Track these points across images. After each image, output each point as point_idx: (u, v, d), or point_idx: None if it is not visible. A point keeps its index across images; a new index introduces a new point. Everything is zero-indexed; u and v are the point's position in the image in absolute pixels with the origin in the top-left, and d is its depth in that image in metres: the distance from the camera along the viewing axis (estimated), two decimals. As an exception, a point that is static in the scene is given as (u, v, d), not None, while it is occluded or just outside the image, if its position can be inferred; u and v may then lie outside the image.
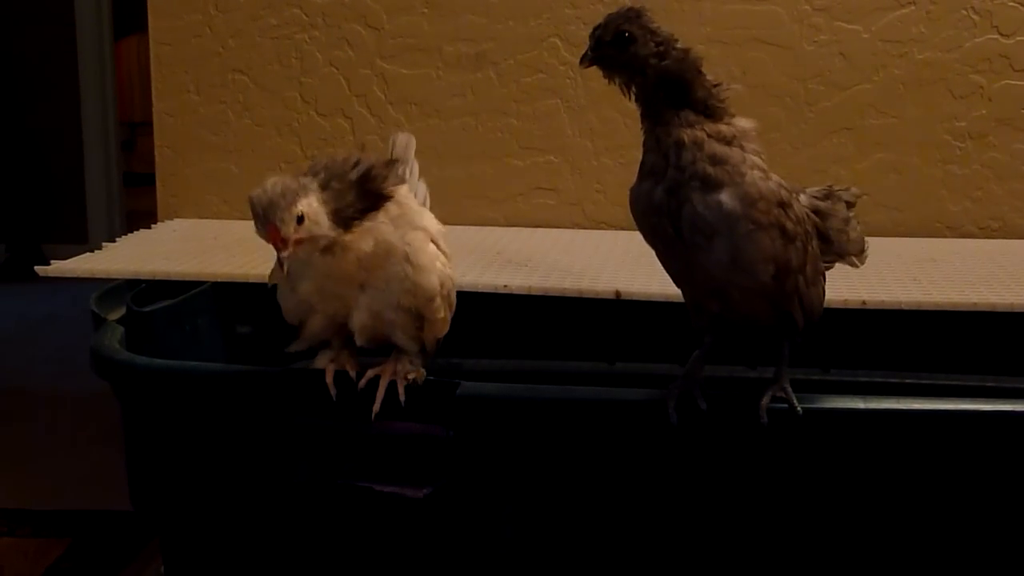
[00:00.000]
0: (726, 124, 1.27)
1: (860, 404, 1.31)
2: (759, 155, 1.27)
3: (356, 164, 1.29)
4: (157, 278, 1.82)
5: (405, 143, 1.54)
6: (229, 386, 1.43)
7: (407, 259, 1.30)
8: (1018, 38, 2.25)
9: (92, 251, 1.99)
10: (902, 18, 2.28)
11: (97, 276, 1.84)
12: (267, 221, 1.20)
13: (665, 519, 1.38)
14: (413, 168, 1.54)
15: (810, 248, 1.30)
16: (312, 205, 1.23)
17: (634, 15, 1.27)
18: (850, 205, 1.43)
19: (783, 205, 1.25)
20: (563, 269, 1.91)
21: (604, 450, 1.37)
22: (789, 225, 1.25)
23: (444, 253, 1.36)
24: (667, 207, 1.23)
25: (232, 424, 1.44)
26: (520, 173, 2.40)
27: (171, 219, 2.43)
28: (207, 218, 2.42)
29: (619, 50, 1.28)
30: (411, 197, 1.37)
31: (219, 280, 1.83)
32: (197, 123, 2.44)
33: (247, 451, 1.44)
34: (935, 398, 1.38)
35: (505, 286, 1.79)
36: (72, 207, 4.76)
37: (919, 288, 1.80)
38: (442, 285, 1.34)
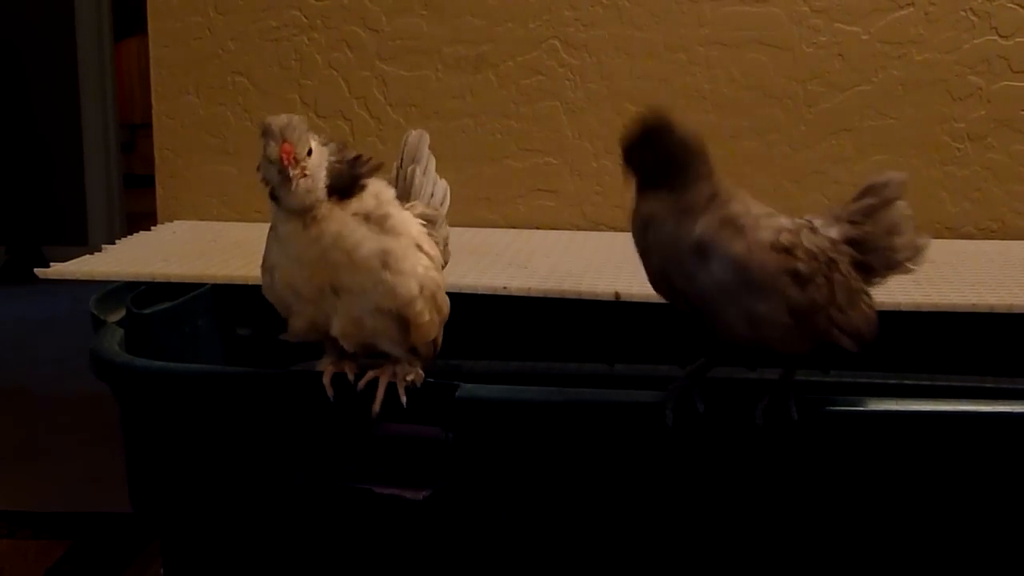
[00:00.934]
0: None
1: (859, 407, 1.31)
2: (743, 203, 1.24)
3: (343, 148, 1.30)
4: (156, 280, 1.82)
5: (418, 139, 1.53)
6: (228, 388, 1.44)
7: (384, 264, 1.27)
8: (1017, 39, 2.26)
9: (92, 253, 1.99)
10: (901, 19, 2.28)
11: (96, 278, 1.84)
12: (283, 138, 1.21)
13: (665, 521, 1.38)
14: (429, 165, 1.53)
15: (837, 277, 1.25)
16: (320, 146, 1.25)
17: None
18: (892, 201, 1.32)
19: (788, 250, 1.20)
20: (563, 271, 1.91)
21: (604, 452, 1.37)
22: (801, 267, 1.20)
23: (428, 255, 1.34)
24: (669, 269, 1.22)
25: (231, 426, 1.44)
26: (519, 175, 2.40)
27: (171, 221, 2.43)
28: (207, 220, 2.42)
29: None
30: (390, 197, 1.33)
31: (218, 282, 1.83)
32: (197, 125, 2.44)
33: (246, 453, 1.44)
34: (934, 400, 1.39)
35: (505, 288, 1.79)
36: (72, 209, 4.75)
37: (918, 289, 1.80)
38: (423, 287, 1.30)
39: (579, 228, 2.36)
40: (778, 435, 1.30)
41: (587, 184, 2.37)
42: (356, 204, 1.27)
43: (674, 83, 2.34)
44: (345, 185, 1.27)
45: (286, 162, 1.21)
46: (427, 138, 1.54)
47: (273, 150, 1.21)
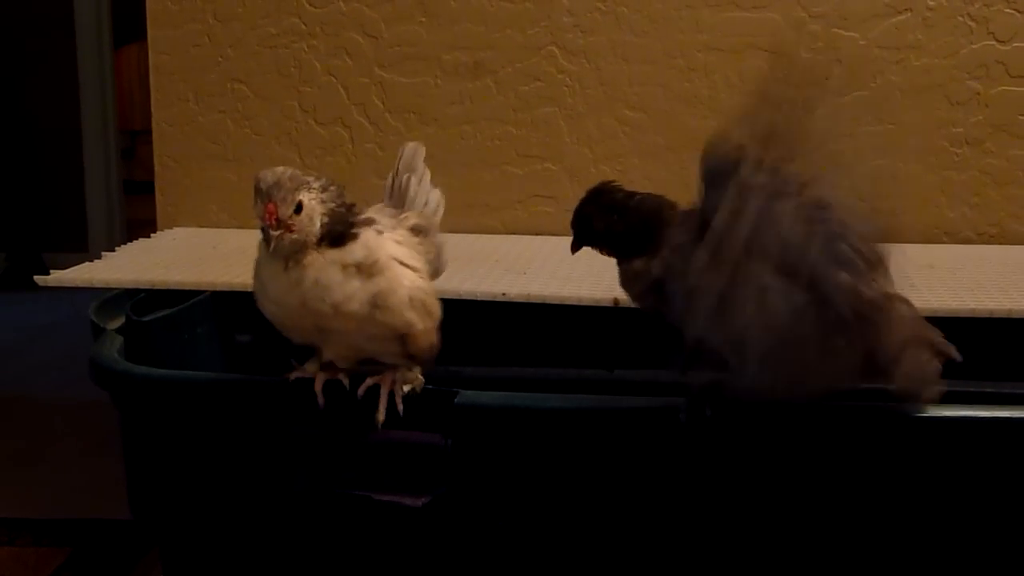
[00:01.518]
0: None
1: (853, 410, 1.31)
2: None
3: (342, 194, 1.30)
4: (156, 287, 1.82)
5: (414, 151, 1.54)
6: (227, 395, 1.44)
7: (374, 305, 1.27)
8: (1015, 44, 2.26)
9: (92, 259, 2.00)
10: (899, 25, 2.28)
11: (96, 285, 1.84)
12: (269, 198, 1.21)
13: (666, 529, 1.38)
14: (424, 176, 1.54)
15: None
16: (311, 201, 1.24)
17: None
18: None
19: None
20: (562, 277, 1.91)
21: (604, 458, 1.37)
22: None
23: (411, 267, 1.33)
24: None
25: (231, 433, 1.45)
26: (518, 181, 2.40)
27: (171, 228, 2.43)
28: (206, 227, 2.43)
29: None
30: (380, 243, 1.31)
31: (218, 289, 1.83)
32: (196, 132, 2.45)
33: (246, 460, 1.44)
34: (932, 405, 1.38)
35: (504, 294, 1.80)
36: (72, 215, 4.76)
37: (916, 294, 1.79)
38: (412, 300, 1.30)
39: (578, 234, 2.36)
40: (785, 438, 1.31)
41: (586, 190, 2.37)
42: (345, 255, 1.26)
43: (672, 89, 2.35)
44: (340, 232, 1.27)
45: (268, 222, 1.22)
46: (423, 151, 1.55)
47: (259, 209, 1.22)
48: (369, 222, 1.31)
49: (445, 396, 1.34)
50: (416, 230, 1.43)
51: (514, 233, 2.40)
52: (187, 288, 1.83)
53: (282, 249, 1.24)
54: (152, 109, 2.47)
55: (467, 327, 1.94)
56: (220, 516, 1.49)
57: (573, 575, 1.41)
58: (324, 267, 1.25)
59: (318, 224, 1.25)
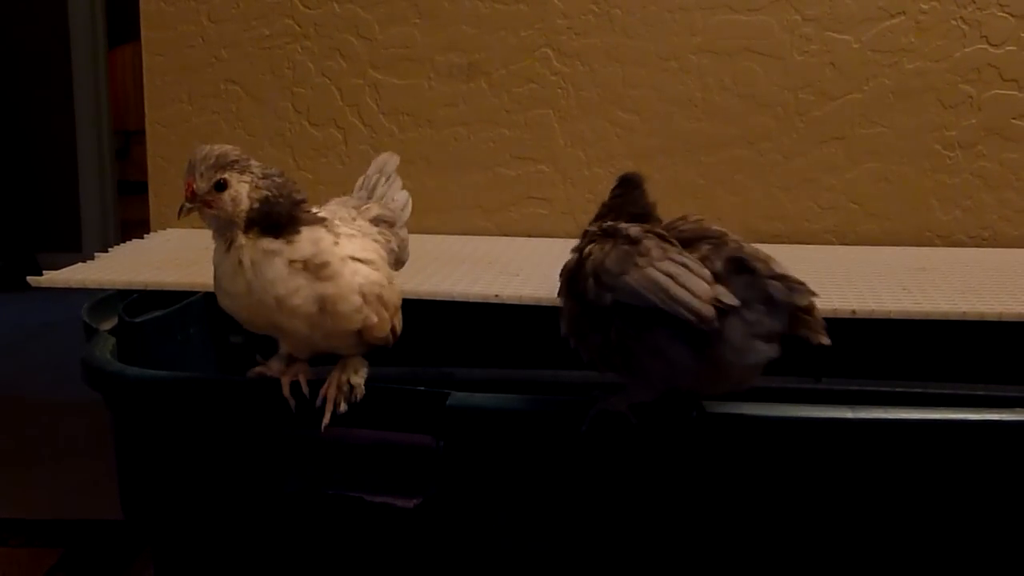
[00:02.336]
0: None
1: (848, 414, 1.31)
2: None
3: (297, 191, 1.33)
4: (149, 288, 1.82)
5: (385, 159, 1.61)
6: (219, 396, 1.44)
7: (322, 310, 1.30)
8: (1007, 48, 2.27)
9: (86, 259, 1.99)
10: (892, 28, 2.29)
11: (89, 286, 1.84)
12: (190, 171, 1.27)
13: (659, 530, 1.39)
14: (394, 178, 1.60)
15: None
16: (240, 183, 1.28)
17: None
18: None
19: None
20: (555, 279, 1.91)
21: (595, 460, 1.37)
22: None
23: (363, 260, 1.35)
24: None
25: (223, 434, 1.45)
26: (512, 183, 2.41)
27: (164, 229, 2.43)
28: (199, 228, 2.41)
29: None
30: (329, 244, 1.33)
31: (211, 290, 1.82)
32: (190, 133, 2.45)
33: (237, 461, 1.44)
34: (925, 407, 1.38)
35: (497, 296, 1.80)
36: (66, 216, 4.76)
37: (909, 297, 1.80)
38: (365, 296, 1.32)
39: (571, 236, 2.34)
40: (775, 444, 1.31)
41: (579, 192, 2.38)
42: (292, 250, 1.29)
43: (666, 91, 2.35)
44: (276, 222, 1.29)
45: (185, 193, 1.27)
46: (396, 159, 1.61)
47: (184, 180, 1.28)
48: (319, 220, 1.33)
49: (437, 398, 1.35)
50: (378, 220, 1.47)
51: (507, 235, 2.40)
52: (180, 289, 1.83)
53: (183, 215, 1.29)
54: (146, 110, 2.47)
55: (460, 329, 1.94)
56: (212, 516, 1.49)
57: (567, 573, 1.42)
58: (260, 254, 1.28)
59: (245, 207, 1.28)
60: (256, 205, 1.28)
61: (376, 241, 1.42)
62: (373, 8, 2.39)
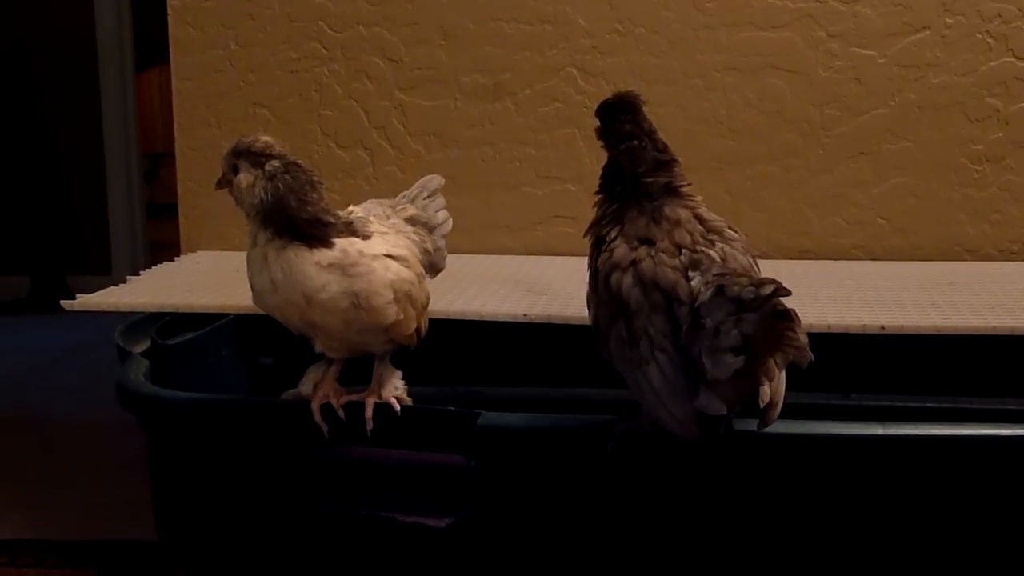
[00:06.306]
0: None
1: (879, 431, 1.31)
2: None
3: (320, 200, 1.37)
4: (180, 311, 1.84)
5: (431, 179, 1.65)
6: (252, 418, 1.45)
7: (355, 305, 1.34)
8: (1033, 61, 2.26)
9: (115, 282, 2.01)
10: (917, 43, 2.29)
11: (122, 309, 1.86)
12: (223, 156, 1.38)
13: (690, 548, 1.38)
14: (436, 196, 1.64)
15: None
16: (246, 174, 1.35)
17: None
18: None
19: None
20: (582, 297, 1.91)
21: (625, 479, 1.37)
22: None
23: (395, 257, 1.39)
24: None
25: (255, 455, 1.46)
26: (538, 202, 2.41)
27: (194, 251, 2.45)
28: (229, 250, 2.44)
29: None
30: (359, 247, 1.37)
31: (241, 312, 1.85)
32: (219, 157, 2.46)
33: (270, 481, 1.45)
34: (956, 423, 1.38)
35: (525, 315, 1.80)
36: (95, 238, 4.79)
37: (938, 312, 1.80)
38: (396, 291, 1.36)
39: (598, 254, 2.37)
40: (798, 462, 1.30)
41: (606, 210, 2.38)
42: (321, 255, 1.33)
43: (691, 109, 2.35)
44: (292, 225, 1.33)
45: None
46: (440, 180, 1.66)
47: None
48: (348, 229, 1.36)
49: (468, 418, 1.35)
50: (413, 220, 1.52)
51: (534, 254, 2.41)
52: (211, 311, 1.85)
53: (217, 188, 1.40)
54: (175, 134, 2.50)
55: (489, 348, 1.95)
56: (245, 537, 1.50)
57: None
58: (285, 254, 1.32)
59: (250, 198, 1.35)
60: (258, 200, 1.34)
61: (410, 239, 1.46)
62: (399, 30, 2.41)
